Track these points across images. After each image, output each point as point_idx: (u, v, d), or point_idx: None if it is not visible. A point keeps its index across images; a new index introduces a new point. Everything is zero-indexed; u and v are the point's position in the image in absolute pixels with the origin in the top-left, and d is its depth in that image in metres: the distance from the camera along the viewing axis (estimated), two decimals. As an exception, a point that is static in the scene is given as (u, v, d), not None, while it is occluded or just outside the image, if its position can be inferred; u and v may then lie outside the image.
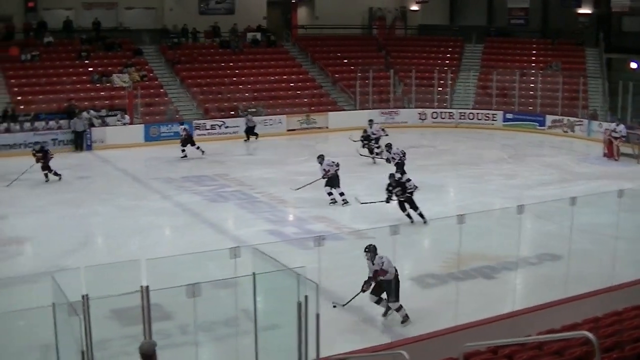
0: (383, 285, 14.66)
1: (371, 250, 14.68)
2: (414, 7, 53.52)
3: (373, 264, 14.51)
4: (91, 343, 10.23)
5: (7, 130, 36.12)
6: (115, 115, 38.34)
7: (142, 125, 37.96)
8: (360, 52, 48.76)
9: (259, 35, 48.18)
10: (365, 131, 31.56)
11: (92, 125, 36.67)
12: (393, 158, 26.78)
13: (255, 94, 42.54)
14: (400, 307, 14.64)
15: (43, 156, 28.42)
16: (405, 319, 14.59)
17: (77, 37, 44.56)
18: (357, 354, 12.21)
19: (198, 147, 33.64)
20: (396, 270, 14.64)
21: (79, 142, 35.93)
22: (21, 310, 10.93)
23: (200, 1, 48.97)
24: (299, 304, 10.70)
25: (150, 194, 26.43)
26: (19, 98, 38.90)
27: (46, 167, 28.46)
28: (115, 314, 13.31)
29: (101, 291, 10.46)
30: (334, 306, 14.79)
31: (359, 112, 41.78)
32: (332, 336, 13.14)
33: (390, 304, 14.66)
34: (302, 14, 53.48)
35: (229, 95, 41.75)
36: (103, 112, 38.41)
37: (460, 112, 43.08)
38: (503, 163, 32.45)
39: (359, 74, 43.84)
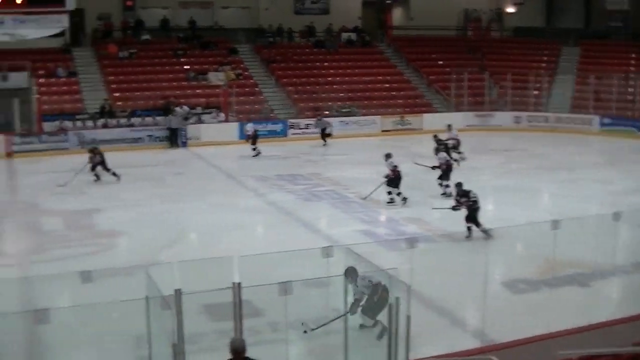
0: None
1: (350, 274, 13.05)
2: (510, 9, 52.91)
3: (357, 286, 13.11)
4: (182, 336, 10.32)
5: (105, 126, 36.79)
6: (210, 112, 38.73)
7: (237, 123, 38.24)
8: (455, 54, 48.27)
9: (353, 36, 48.22)
10: (435, 135, 30.56)
11: (187, 119, 37.09)
12: (446, 164, 26.23)
13: (350, 94, 42.54)
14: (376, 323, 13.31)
15: (92, 156, 28.08)
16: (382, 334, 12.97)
17: (173, 36, 45.23)
18: (446, 357, 12.09)
19: (255, 148, 33.96)
20: (385, 290, 13.01)
21: (174, 138, 36.38)
22: (116, 302, 11.08)
23: (295, 1, 49.24)
24: (390, 305, 10.64)
25: (244, 192, 26.61)
26: (117, 94, 39.57)
27: (97, 166, 28.00)
28: (206, 309, 13.40)
29: (194, 286, 10.54)
30: (305, 331, 13.36)
31: (454, 114, 41.46)
32: (422, 338, 13.05)
33: (365, 321, 13.34)
34: (397, 15, 53.33)
35: (323, 95, 41.79)
36: (198, 110, 38.82)
37: (557, 116, 42.35)
38: (599, 168, 31.71)
39: (454, 76, 43.49)
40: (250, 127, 34.89)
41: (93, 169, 27.84)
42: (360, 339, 12.01)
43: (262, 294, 11.64)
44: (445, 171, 25.32)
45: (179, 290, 10.10)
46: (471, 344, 13.48)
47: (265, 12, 47.63)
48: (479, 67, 46.11)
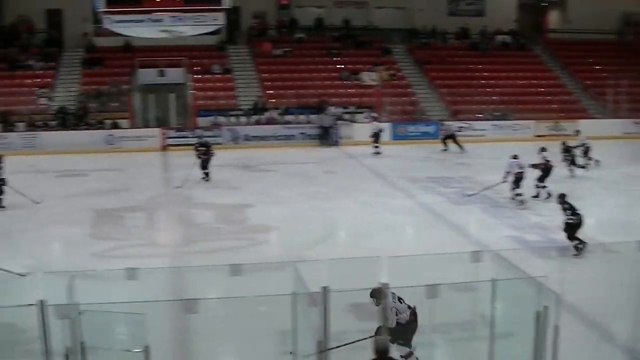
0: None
1: (375, 296, 11.83)
2: (674, 11, 51.13)
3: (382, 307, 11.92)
4: (328, 334, 10.34)
5: (257, 123, 37.34)
6: (363, 112, 38.81)
7: (389, 123, 38.19)
8: (613, 59, 46.58)
9: (508, 38, 47.56)
10: (564, 142, 29.61)
11: (339, 119, 37.30)
12: (545, 164, 25.43)
13: (503, 97, 41.92)
14: (410, 354, 12.16)
15: (205, 152, 27.87)
16: None
17: (327, 35, 45.50)
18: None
19: (377, 147, 34.31)
20: (413, 315, 12.03)
21: (326, 137, 36.61)
22: (263, 296, 11.18)
23: (449, 2, 48.86)
24: (538, 314, 10.39)
25: (394, 192, 26.42)
26: (270, 92, 40.11)
27: (206, 165, 27.79)
28: (353, 307, 13.39)
29: (341, 284, 10.54)
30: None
31: (611, 120, 40.39)
32: (570, 351, 12.71)
33: (398, 348, 12.08)
34: (553, 17, 52.32)
35: (477, 98, 41.35)
36: (351, 109, 38.98)
37: None
38: None
39: (612, 82, 42.27)
40: (376, 125, 35.20)
41: (203, 166, 27.87)
42: (506, 347, 11.77)
43: (408, 296, 11.56)
44: (544, 171, 24.80)
45: (327, 287, 10.13)
46: None
47: (420, 13, 47.49)
48: (638, 73, 44.68)
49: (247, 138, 36.51)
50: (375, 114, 38.08)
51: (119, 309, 9.70)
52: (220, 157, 30.38)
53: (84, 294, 10.84)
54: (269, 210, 23.37)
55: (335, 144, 36.64)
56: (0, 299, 10.43)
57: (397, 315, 11.62)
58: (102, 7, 31.00)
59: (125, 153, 34.80)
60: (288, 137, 36.91)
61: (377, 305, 11.89)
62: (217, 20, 32.18)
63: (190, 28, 32.40)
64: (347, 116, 38.45)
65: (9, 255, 18.74)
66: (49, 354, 10.30)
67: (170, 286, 15.77)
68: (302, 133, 37.23)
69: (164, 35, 32.46)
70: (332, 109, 38.01)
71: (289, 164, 31.14)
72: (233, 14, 40.48)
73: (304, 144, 36.53)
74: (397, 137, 37.21)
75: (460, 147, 35.59)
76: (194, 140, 29.93)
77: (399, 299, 11.67)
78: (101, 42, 42.89)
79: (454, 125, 37.30)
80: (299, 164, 31.65)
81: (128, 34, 35.88)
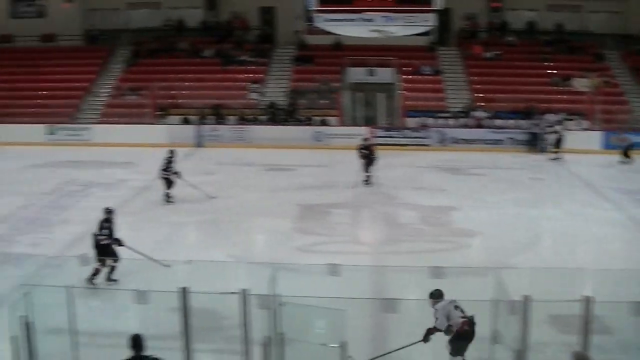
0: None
1: (434, 297, 11.92)
2: None
3: (437, 310, 11.77)
4: (526, 343, 10.24)
5: (466, 126, 37.22)
6: (573, 119, 37.97)
7: (601, 132, 37.16)
8: None
9: None
10: None
11: (550, 126, 36.65)
12: None
13: None
14: None
15: (367, 155, 27.63)
16: None
17: (539, 39, 44.75)
18: None
19: (630, 157, 33.08)
20: (468, 325, 11.58)
21: (535, 143, 36.07)
22: (464, 300, 11.20)
23: (670, 6, 46.97)
24: None
25: (602, 203, 25.49)
26: (480, 95, 39.82)
27: (368, 167, 27.53)
28: (553, 319, 13.18)
29: (542, 294, 10.43)
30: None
31: None
32: None
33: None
34: None
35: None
36: (561, 116, 38.20)
37: None
38: None
39: None
40: (558, 130, 35.13)
41: (365, 169, 27.62)
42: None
43: (613, 311, 11.28)
44: None
45: (528, 296, 10.03)
46: None
47: (636, 18, 45.80)
48: None
49: (455, 140, 36.45)
50: (558, 118, 37.25)
51: (319, 303, 9.93)
52: (427, 158, 30.50)
53: (286, 286, 11.16)
54: (474, 215, 23.28)
55: (544, 150, 35.99)
56: (204, 286, 10.85)
57: (448, 320, 11.57)
58: (314, 6, 31.67)
59: (332, 150, 35.37)
60: (496, 142, 36.57)
61: (433, 306, 11.84)
62: (427, 21, 32.26)
63: (401, 28, 32.60)
64: (557, 123, 37.67)
65: (216, 244, 19.63)
66: (248, 342, 10.67)
67: (370, 284, 15.97)
68: (510, 138, 36.78)
69: (374, 34, 32.80)
70: (545, 116, 37.38)
71: (497, 169, 30.83)
72: (444, 16, 40.32)
73: (512, 149, 36.07)
74: (610, 146, 36.13)
75: (629, 158, 33.85)
76: (359, 142, 29.54)
77: (455, 307, 11.64)
78: (312, 39, 43.78)
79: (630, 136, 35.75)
80: (506, 169, 31.28)
81: (339, 33, 36.46)
